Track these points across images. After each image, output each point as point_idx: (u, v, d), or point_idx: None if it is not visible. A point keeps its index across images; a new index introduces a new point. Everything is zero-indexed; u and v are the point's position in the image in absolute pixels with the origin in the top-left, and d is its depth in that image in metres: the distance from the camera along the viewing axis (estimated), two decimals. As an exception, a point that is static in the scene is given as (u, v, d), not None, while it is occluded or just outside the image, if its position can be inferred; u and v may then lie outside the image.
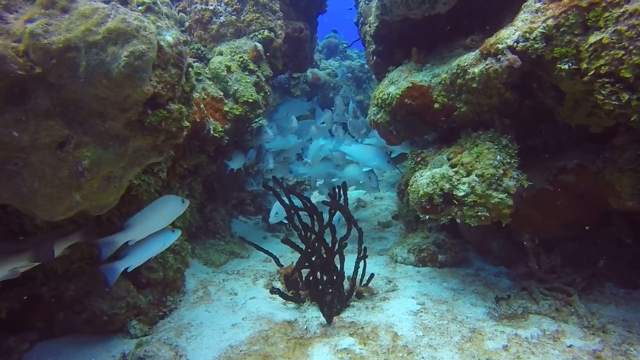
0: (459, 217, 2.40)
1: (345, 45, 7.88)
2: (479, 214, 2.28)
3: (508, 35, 2.03)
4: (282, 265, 3.26)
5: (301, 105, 4.29)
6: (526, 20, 2.00)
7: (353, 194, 5.39)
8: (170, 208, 2.26)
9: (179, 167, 3.00)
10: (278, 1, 3.58)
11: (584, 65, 1.78)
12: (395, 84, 2.67)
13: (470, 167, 2.33)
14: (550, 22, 1.87)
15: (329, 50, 7.95)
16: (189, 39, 3.43)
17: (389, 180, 5.78)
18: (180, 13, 3.42)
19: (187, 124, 1.60)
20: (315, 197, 5.30)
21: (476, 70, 2.18)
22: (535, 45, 1.93)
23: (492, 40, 2.13)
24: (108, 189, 1.52)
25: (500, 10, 2.62)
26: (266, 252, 3.27)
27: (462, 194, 2.32)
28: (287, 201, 2.91)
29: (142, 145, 1.57)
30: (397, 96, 2.59)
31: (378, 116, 2.79)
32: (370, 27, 3.21)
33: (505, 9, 2.59)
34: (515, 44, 2.00)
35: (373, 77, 7.36)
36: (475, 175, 2.28)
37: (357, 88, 7.03)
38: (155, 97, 1.49)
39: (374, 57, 3.24)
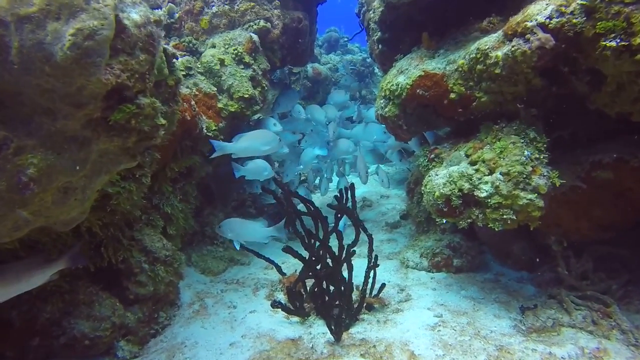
0: (481, 220, 2.10)
1: (346, 39, 7.56)
2: (505, 217, 1.98)
3: (538, 10, 1.72)
4: (285, 274, 2.98)
5: (294, 96, 4.02)
6: (560, -8, 1.69)
7: (357, 192, 5.10)
8: (269, 139, 2.70)
9: (170, 170, 2.71)
10: (274, -11, 3.27)
11: (638, 41, 1.47)
12: (404, 73, 2.36)
13: (493, 164, 2.02)
14: (592, -9, 1.56)
15: (330, 44, 7.63)
16: (179, 30, 3.13)
17: (395, 177, 5.47)
18: (169, 4, 3.12)
19: (162, 121, 1.31)
20: (317, 199, 5.01)
21: (500, 53, 1.87)
22: (574, 20, 1.63)
23: (518, 18, 1.82)
24: (67, 203, 1.23)
25: (521, -13, 2.31)
26: (267, 259, 2.99)
27: (484, 194, 2.02)
28: (288, 204, 2.62)
29: (110, 148, 1.28)
30: (408, 86, 2.29)
31: (386, 109, 2.48)
32: (374, 13, 2.90)
33: (526, -14, 2.28)
34: (547, 20, 1.69)
35: (375, 70, 7.04)
36: (500, 174, 1.98)
37: (359, 82, 6.71)
38: (121, 89, 1.19)
39: (379, 46, 2.93)
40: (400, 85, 2.33)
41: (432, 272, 2.95)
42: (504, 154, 2.00)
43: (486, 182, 2.02)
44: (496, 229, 2.04)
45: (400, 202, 4.62)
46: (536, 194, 1.93)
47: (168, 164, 2.68)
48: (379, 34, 2.88)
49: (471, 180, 2.08)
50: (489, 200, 2.00)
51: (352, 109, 4.81)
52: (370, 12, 3.03)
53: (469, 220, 2.17)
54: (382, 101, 2.51)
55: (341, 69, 6.17)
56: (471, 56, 2.02)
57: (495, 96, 2.05)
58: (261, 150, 2.78)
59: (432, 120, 2.40)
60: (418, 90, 2.26)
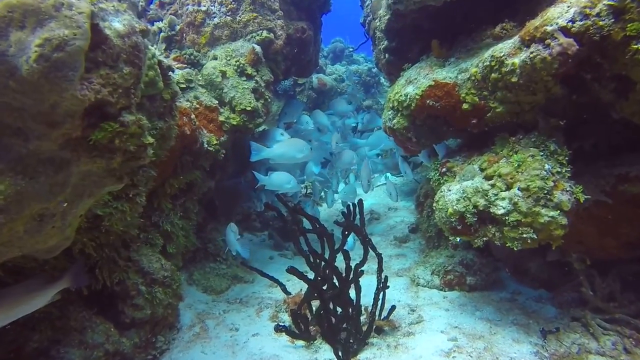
0: (498, 239, 1.94)
1: (351, 49, 7.47)
2: (524, 236, 1.82)
3: (559, 13, 1.58)
4: (290, 293, 2.82)
5: (299, 106, 3.94)
6: (583, -7, 1.55)
7: (365, 204, 4.94)
8: (303, 147, 2.85)
9: (170, 187, 2.58)
10: (277, -1, 3.18)
11: (675, 44, 1.32)
12: (413, 83, 2.23)
13: (511, 179, 1.87)
14: (620, -9, 1.42)
15: (335, 55, 7.54)
16: (180, 40, 3.04)
17: (402, 189, 5.30)
18: (170, 15, 3.03)
19: (149, 140, 1.18)
20: (324, 211, 4.86)
21: (516, 60, 1.73)
22: (600, 23, 1.48)
23: (536, 22, 1.68)
24: (43, 231, 1.10)
25: (536, -8, 2.17)
26: (271, 278, 2.83)
27: (501, 211, 1.86)
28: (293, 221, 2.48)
29: (92, 169, 1.15)
30: (417, 97, 2.15)
31: (394, 121, 2.34)
32: (380, 21, 2.78)
33: (541, -10, 2.14)
34: (569, 23, 1.55)
35: (382, 80, 6.92)
36: (518, 189, 1.82)
37: (365, 93, 6.59)
38: (102, 106, 1.07)
39: (386, 55, 2.80)
40: (409, 96, 2.19)
41: (445, 291, 2.77)
42: (523, 168, 1.85)
43: (503, 199, 1.87)
44: (515, 249, 1.88)
45: (409, 215, 4.46)
46: (559, 211, 1.77)
47: (167, 180, 2.56)
48: (386, 42, 2.76)
49: (487, 196, 1.92)
50: (507, 218, 1.85)
51: (356, 117, 4.69)
52: (376, 21, 2.91)
53: (484, 239, 2.01)
54: (389, 112, 2.37)
55: (346, 79, 6.07)
56: (485, 64, 1.88)
57: (511, 106, 1.90)
58: (296, 157, 2.92)
59: (443, 132, 2.25)
60: (428, 101, 2.12)
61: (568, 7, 1.56)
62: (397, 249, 3.67)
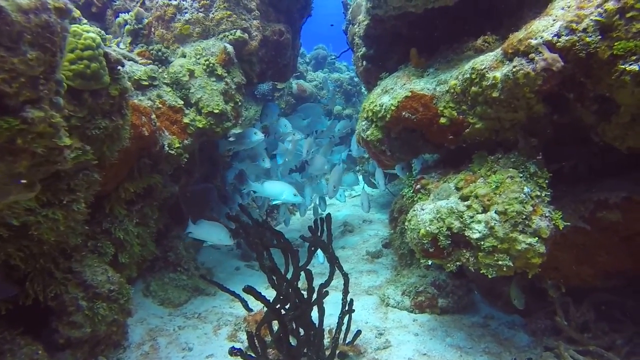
0: (472, 264, 1.78)
1: (333, 57, 7.34)
2: (500, 262, 1.66)
3: (544, 26, 1.44)
4: (252, 310, 2.59)
5: (275, 109, 3.80)
6: (570, 6, 1.41)
7: (338, 215, 4.77)
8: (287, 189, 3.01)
9: (125, 191, 2.34)
10: (254, -1, 2.99)
11: (669, 65, 1.20)
12: (389, 93, 2.07)
13: (488, 201, 1.72)
14: (610, 5, 1.29)
15: (317, 62, 7.38)
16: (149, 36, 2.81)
17: (378, 201, 5.16)
18: (138, 7, 2.80)
19: (65, 141, 0.97)
20: (297, 220, 4.66)
21: (498, 74, 1.58)
22: (587, 39, 1.35)
23: (520, 34, 1.54)
24: None
25: (520, 5, 2.06)
26: (232, 293, 2.59)
27: (477, 236, 1.71)
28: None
29: (-11, 174, 0.92)
30: (393, 108, 1.99)
31: (368, 132, 2.17)
32: (359, 27, 2.62)
33: (525, 4, 2.02)
34: (555, 38, 1.41)
35: (363, 90, 6.80)
36: (495, 212, 1.67)
37: (346, 102, 6.45)
38: (0, 97, 0.85)
39: (364, 63, 2.65)
40: (384, 107, 2.03)
41: (415, 313, 2.61)
42: (501, 190, 1.70)
43: (479, 222, 1.71)
44: (489, 276, 1.72)
45: (383, 228, 4.30)
46: (537, 238, 1.62)
47: (121, 184, 2.32)
48: (364, 49, 2.60)
49: (462, 218, 1.77)
50: (482, 243, 1.69)
51: (324, 122, 4.54)
52: (355, 26, 2.76)
53: (457, 263, 1.85)
54: (364, 123, 2.20)
55: (323, 86, 5.93)
56: (465, 76, 1.73)
57: (491, 123, 1.75)
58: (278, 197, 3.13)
59: (419, 147, 2.10)
60: (404, 113, 1.96)
61: (554, 20, 1.43)
62: (369, 264, 3.50)
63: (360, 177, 5.10)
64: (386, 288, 2.82)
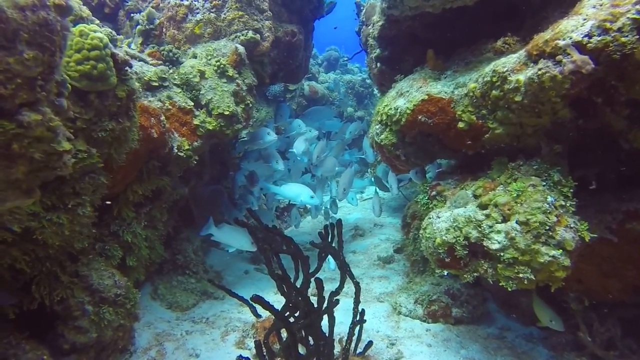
0: (490, 276, 1.69)
1: (346, 58, 7.26)
2: (521, 275, 1.57)
3: (573, 27, 1.35)
4: (260, 316, 2.54)
5: (285, 110, 3.75)
6: (603, 4, 1.32)
7: (349, 219, 4.69)
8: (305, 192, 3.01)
9: (133, 194, 2.30)
10: (267, -1, 2.93)
11: None
12: (405, 96, 1.99)
13: (509, 210, 1.62)
14: (648, 3, 1.19)
15: (329, 63, 7.31)
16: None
17: (390, 204, 5.06)
18: (150, 8, 2.76)
19: (65, 146, 0.91)
20: (308, 223, 4.60)
21: (522, 77, 1.49)
22: (622, 40, 1.25)
23: (546, 35, 1.45)
24: None
25: (543, 5, 1.96)
26: (240, 298, 2.55)
27: (496, 246, 1.61)
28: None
29: (-15, 180, 0.87)
30: (408, 111, 1.91)
31: (382, 136, 2.09)
32: (373, 27, 2.54)
33: (550, 4, 1.92)
34: (585, 38, 1.32)
35: (375, 92, 6.71)
36: (516, 222, 1.58)
37: (358, 104, 6.37)
38: (-5, 100, 0.80)
39: (378, 64, 2.57)
40: (399, 110, 1.95)
41: (428, 322, 2.52)
42: (522, 199, 1.60)
43: (499, 232, 1.62)
44: (509, 289, 1.63)
45: (394, 233, 4.21)
46: (561, 251, 1.52)
47: (130, 186, 2.28)
48: (378, 51, 2.52)
49: (480, 227, 1.68)
50: (502, 254, 1.60)
51: (336, 124, 4.45)
52: (369, 27, 2.67)
53: (475, 274, 1.76)
54: (377, 127, 2.12)
55: (331, 86, 5.84)
56: (485, 79, 1.64)
57: (512, 128, 1.66)
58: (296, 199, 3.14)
59: (434, 152, 2.01)
60: (420, 117, 1.87)
61: (584, 19, 1.33)
62: (381, 269, 3.41)
63: (371, 180, 5.01)
64: (398, 296, 2.74)
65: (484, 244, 1.66)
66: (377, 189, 4.55)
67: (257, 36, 2.79)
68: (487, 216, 1.68)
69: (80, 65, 1.41)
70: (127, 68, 1.58)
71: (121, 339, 2.12)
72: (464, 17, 2.22)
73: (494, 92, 1.60)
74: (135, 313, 2.21)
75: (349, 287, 2.38)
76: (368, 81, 6.48)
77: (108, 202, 2.13)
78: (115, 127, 1.58)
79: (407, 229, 3.07)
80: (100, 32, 1.44)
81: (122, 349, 2.19)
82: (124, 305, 2.08)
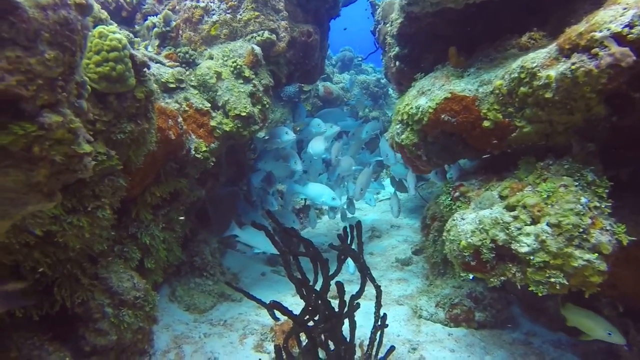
0: (519, 280, 1.62)
1: (360, 58, 7.20)
2: (552, 280, 1.49)
3: (612, 17, 1.28)
4: (278, 319, 2.49)
5: (303, 111, 3.73)
6: (643, -7, 1.24)
7: (365, 220, 4.62)
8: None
9: (151, 196, 2.29)
10: (282, -1, 2.90)
11: None
12: (427, 94, 1.93)
13: (538, 211, 1.55)
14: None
15: (343, 64, 7.26)
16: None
17: (406, 205, 4.98)
18: (166, 10, 2.76)
19: (85, 148, 0.89)
20: (324, 224, 4.55)
21: (553, 73, 1.42)
22: (667, 30, 1.18)
23: (580, 27, 1.37)
24: None
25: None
26: (258, 301, 2.51)
27: (525, 249, 1.54)
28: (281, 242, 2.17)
29: (5, 184, 0.86)
30: (430, 110, 1.85)
31: (402, 136, 2.04)
32: (392, 25, 2.49)
33: (578, -3, 1.84)
34: (625, 29, 1.24)
35: (390, 92, 6.63)
36: (547, 225, 1.50)
37: (373, 104, 6.30)
38: (16, 101, 0.77)
39: (396, 63, 2.51)
40: (421, 109, 1.89)
41: (450, 327, 2.44)
42: (553, 200, 1.53)
43: (528, 234, 1.55)
44: (539, 294, 1.55)
45: (412, 234, 4.13)
46: (596, 254, 1.44)
47: (148, 188, 2.27)
48: (397, 49, 2.46)
49: (508, 229, 1.61)
50: (532, 258, 1.52)
51: (350, 124, 4.39)
52: (388, 25, 2.62)
53: (502, 278, 1.69)
54: (398, 126, 2.07)
55: (347, 86, 5.78)
56: (512, 76, 1.57)
57: (541, 126, 1.58)
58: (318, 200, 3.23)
59: (457, 152, 1.94)
60: (443, 116, 1.81)
61: (624, 9, 1.26)
62: (399, 272, 3.34)
63: (388, 181, 4.95)
64: (418, 299, 2.67)
65: (512, 247, 1.60)
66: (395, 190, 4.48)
67: (273, 36, 2.76)
68: (515, 218, 1.61)
69: (99, 67, 1.40)
70: (145, 69, 1.56)
71: (140, 341, 2.11)
72: (485, 13, 2.15)
73: (522, 89, 1.53)
74: (154, 316, 2.20)
75: (368, 289, 2.32)
76: (382, 81, 6.41)
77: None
78: (134, 129, 1.56)
79: (426, 230, 3.00)
80: (119, 34, 1.42)
81: (141, 351, 2.18)
82: (143, 308, 2.07)
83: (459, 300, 2.48)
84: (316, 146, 3.31)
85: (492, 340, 2.29)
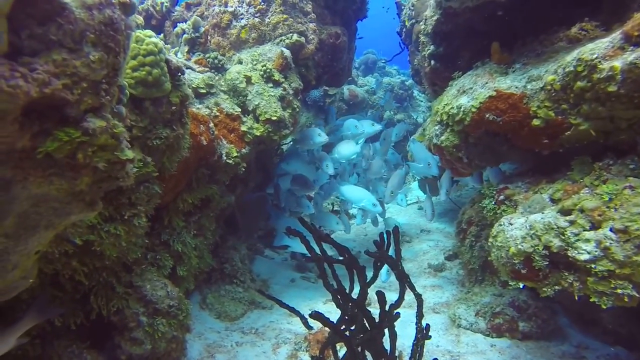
0: (577, 290, 1.50)
1: (383, 61, 7.11)
2: (619, 291, 1.36)
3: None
4: (312, 327, 2.43)
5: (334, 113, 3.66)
6: None
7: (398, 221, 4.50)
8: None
9: (183, 203, 2.26)
10: (310, 1, 2.85)
11: None
12: (468, 93, 1.82)
13: (599, 215, 1.43)
14: None
15: (367, 67, 7.18)
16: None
17: (435, 209, 4.82)
18: (195, 16, 2.75)
19: (128, 154, 0.84)
20: (353, 228, 4.46)
21: (618, 64, 1.30)
22: None
23: (649, 14, 1.25)
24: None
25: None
26: (291, 309, 2.44)
27: (585, 257, 1.42)
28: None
29: (50, 193, 0.82)
30: (474, 110, 1.74)
31: (442, 137, 1.94)
32: (426, 23, 2.39)
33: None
34: None
35: (415, 94, 6.49)
36: (611, 230, 1.38)
37: (398, 107, 6.18)
38: (60, 106, 0.73)
39: (431, 62, 2.41)
40: (462, 109, 1.79)
41: (492, 337, 2.31)
42: (616, 203, 1.40)
43: (588, 241, 1.43)
44: (603, 306, 1.42)
45: (443, 239, 3.99)
46: (669, 263, 1.31)
47: (180, 195, 2.24)
48: (432, 47, 2.36)
49: (563, 235, 1.49)
50: (594, 266, 1.40)
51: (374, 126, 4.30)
52: (421, 24, 2.53)
53: (556, 288, 1.57)
54: (437, 127, 1.97)
55: (374, 86, 5.67)
56: (567, 70, 1.46)
57: (600, 123, 1.46)
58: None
59: (502, 153, 1.83)
60: (487, 115, 1.70)
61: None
62: (432, 278, 3.22)
63: (415, 184, 4.82)
64: (456, 307, 2.54)
65: (569, 254, 1.47)
66: (423, 192, 4.35)
67: (302, 39, 2.71)
68: (572, 223, 1.49)
69: (135, 72, 1.37)
70: (180, 74, 1.53)
71: (174, 350, 2.07)
72: (526, 7, 2.04)
73: (578, 83, 1.41)
74: (187, 324, 2.17)
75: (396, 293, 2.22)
76: (407, 83, 6.29)
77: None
78: (170, 135, 1.52)
79: (462, 235, 2.87)
80: (155, 38, 1.39)
81: (175, 361, 2.14)
82: (176, 317, 2.03)
83: (501, 309, 2.35)
84: (343, 150, 3.22)
85: (539, 352, 2.15)
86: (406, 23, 3.72)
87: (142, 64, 1.38)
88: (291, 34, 2.68)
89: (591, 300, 1.45)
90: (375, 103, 5.80)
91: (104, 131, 0.78)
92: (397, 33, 4.22)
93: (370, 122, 3.22)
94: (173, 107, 1.50)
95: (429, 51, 2.38)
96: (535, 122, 1.60)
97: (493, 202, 1.89)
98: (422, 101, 6.39)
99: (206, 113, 2.27)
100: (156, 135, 1.48)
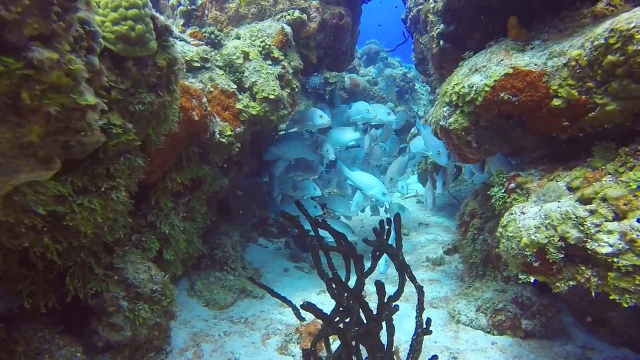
0: (594, 286, 1.36)
1: (386, 51, 6.93)
2: (643, 288, 1.23)
3: None
4: (304, 319, 2.28)
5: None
6: None
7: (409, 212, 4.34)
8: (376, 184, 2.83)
9: (171, 182, 2.11)
10: (314, -23, 2.68)
11: None
12: (481, 71, 1.67)
13: (624, 205, 1.28)
14: None
15: (369, 57, 6.99)
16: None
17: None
18: (192, -12, 2.58)
19: (89, 100, 0.68)
20: (353, 218, 4.31)
21: (656, 34, 1.15)
22: None
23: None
24: None
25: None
26: (282, 298, 2.29)
27: (607, 250, 1.28)
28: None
29: (-12, 143, 0.65)
30: (487, 89, 1.59)
31: (451, 120, 1.78)
32: (436, 1, 2.23)
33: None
34: None
35: (417, 87, 6.33)
36: (638, 221, 1.24)
37: (399, 99, 6.02)
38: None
39: (441, 42, 2.25)
40: (474, 88, 1.63)
41: (493, 334, 2.17)
42: (644, 191, 1.26)
43: (610, 232, 1.28)
44: (625, 304, 1.29)
45: (441, 233, 3.86)
46: (702, 258, 1.17)
47: (169, 173, 2.08)
48: (442, 26, 2.20)
49: (582, 226, 1.34)
50: (616, 260, 1.26)
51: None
52: (430, 2, 2.36)
53: (571, 283, 1.43)
54: (445, 109, 1.81)
55: (375, 73, 5.50)
56: (596, 43, 1.30)
57: (631, 103, 1.31)
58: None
59: (515, 137, 1.68)
60: (502, 94, 1.55)
61: None
62: (430, 272, 3.08)
63: (415, 176, 4.67)
64: (456, 302, 2.40)
65: (588, 247, 1.33)
66: (423, 186, 4.21)
67: (304, 16, 2.54)
68: (592, 212, 1.34)
69: (116, 26, 1.20)
70: (167, 35, 1.36)
71: (157, 338, 1.92)
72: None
73: (609, 57, 1.26)
74: (171, 311, 2.02)
75: (396, 287, 2.08)
76: (409, 75, 6.12)
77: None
78: (155, 101, 1.36)
79: (464, 227, 2.73)
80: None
81: (158, 349, 1.99)
82: (160, 302, 1.88)
83: (504, 305, 2.21)
84: (339, 136, 3.04)
85: (542, 352, 2.02)
86: (412, 9, 3.56)
87: (124, 17, 1.21)
88: (293, 10, 2.52)
89: (611, 297, 1.31)
90: (377, 94, 5.64)
91: (55, 65, 0.62)
92: (402, 20, 4.06)
93: (386, 111, 3.02)
94: (159, 71, 1.34)
95: (438, 30, 2.22)
96: (556, 102, 1.45)
97: (503, 190, 1.74)
98: (423, 94, 6.24)
99: (199, 87, 2.11)
100: (139, 100, 1.32)
